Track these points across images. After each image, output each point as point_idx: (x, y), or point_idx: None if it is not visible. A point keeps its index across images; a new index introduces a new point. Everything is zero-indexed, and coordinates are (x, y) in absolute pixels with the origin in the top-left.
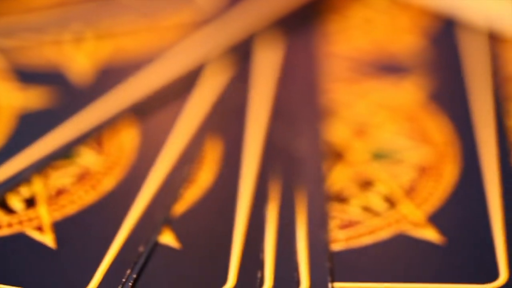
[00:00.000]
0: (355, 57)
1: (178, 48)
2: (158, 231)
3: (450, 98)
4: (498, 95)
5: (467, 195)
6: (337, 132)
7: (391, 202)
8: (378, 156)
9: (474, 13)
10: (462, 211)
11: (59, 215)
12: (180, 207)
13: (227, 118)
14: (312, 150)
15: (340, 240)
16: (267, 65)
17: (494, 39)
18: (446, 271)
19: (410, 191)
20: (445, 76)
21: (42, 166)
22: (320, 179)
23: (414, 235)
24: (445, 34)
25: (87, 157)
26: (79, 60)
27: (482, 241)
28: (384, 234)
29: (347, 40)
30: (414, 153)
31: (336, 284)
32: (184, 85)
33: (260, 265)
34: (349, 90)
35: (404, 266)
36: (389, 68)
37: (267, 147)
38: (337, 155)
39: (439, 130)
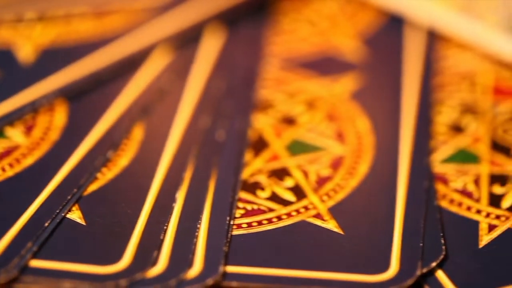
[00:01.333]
0: (292, 57)
1: (126, 33)
2: (67, 208)
3: (379, 95)
4: (427, 93)
5: (373, 190)
6: (261, 124)
7: (298, 193)
8: (296, 149)
9: (417, 12)
10: (366, 204)
11: None
12: (93, 186)
13: (158, 102)
14: (233, 139)
15: (243, 226)
16: (208, 55)
17: (434, 37)
18: (341, 261)
19: (320, 184)
20: (381, 74)
21: None
22: (235, 167)
23: (316, 225)
24: (388, 31)
25: (15, 134)
26: (25, 41)
27: (381, 234)
28: (287, 223)
29: (288, 40)
30: (331, 148)
31: (230, 268)
32: (124, 69)
33: (158, 245)
34: (280, 88)
35: (302, 254)
36: (326, 67)
37: (190, 132)
38: (258, 147)
39: (359, 127)
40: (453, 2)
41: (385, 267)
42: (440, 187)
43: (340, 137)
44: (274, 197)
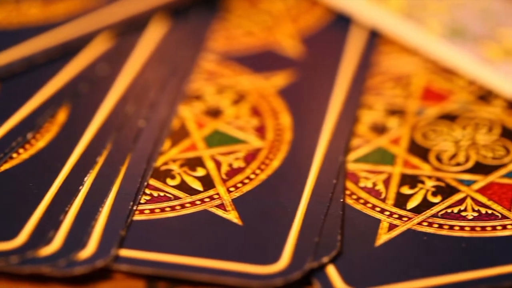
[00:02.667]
0: (230, 52)
1: (71, 19)
2: None
3: (309, 92)
4: (357, 93)
5: (281, 184)
6: (185, 115)
7: (207, 184)
8: (214, 141)
9: (362, 13)
10: (271, 198)
11: None
12: (7, 165)
13: (88, 88)
14: (154, 128)
15: (146, 212)
16: (148, 44)
17: (376, 39)
18: (233, 251)
19: (230, 176)
20: (316, 72)
21: None
22: (149, 155)
23: (217, 215)
24: (333, 30)
25: None
26: None
27: (279, 228)
28: (189, 211)
29: (230, 35)
30: (249, 142)
31: (124, 252)
32: (62, 54)
33: (56, 226)
34: (212, 81)
35: (197, 242)
36: (262, 63)
37: (112, 118)
38: (177, 136)
39: (281, 123)
40: (397, 6)
41: (276, 259)
42: (350, 185)
43: (260, 131)
44: (182, 186)
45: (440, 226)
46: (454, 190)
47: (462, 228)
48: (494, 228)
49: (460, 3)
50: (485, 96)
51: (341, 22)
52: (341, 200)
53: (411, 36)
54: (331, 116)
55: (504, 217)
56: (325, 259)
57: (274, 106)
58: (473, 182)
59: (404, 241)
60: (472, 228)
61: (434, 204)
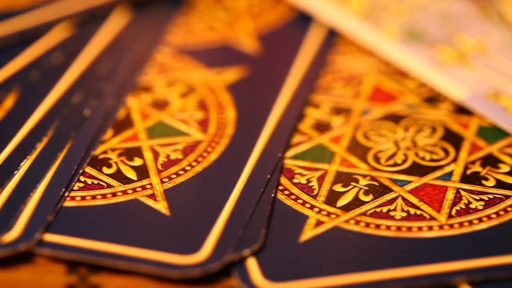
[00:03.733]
0: (187, 47)
1: (32, 8)
2: None
3: (258, 88)
4: (306, 91)
5: (214, 177)
6: (133, 106)
7: (142, 174)
8: (157, 132)
9: (323, 13)
10: (203, 190)
11: None
12: None
13: (40, 75)
14: (98, 117)
15: (77, 199)
16: (106, 35)
17: (334, 39)
18: (157, 240)
19: (165, 167)
20: (270, 68)
21: None
22: (89, 143)
23: (146, 204)
24: (293, 28)
25: None
26: None
27: (205, 219)
28: (120, 200)
29: (190, 30)
30: (191, 135)
31: (50, 236)
32: (18, 42)
33: None
34: (164, 74)
35: (122, 230)
36: (217, 59)
37: (58, 106)
38: (121, 126)
39: (225, 117)
40: (357, 7)
41: (197, 250)
42: (284, 181)
43: (203, 125)
44: (117, 175)
45: (367, 224)
46: (387, 190)
47: (388, 227)
48: (420, 229)
49: (421, 6)
50: (434, 99)
51: (302, 20)
52: (272, 195)
53: (367, 37)
54: (276, 113)
55: (432, 218)
56: (245, 252)
57: (221, 101)
58: (407, 182)
59: (329, 238)
60: (398, 228)
61: (364, 202)
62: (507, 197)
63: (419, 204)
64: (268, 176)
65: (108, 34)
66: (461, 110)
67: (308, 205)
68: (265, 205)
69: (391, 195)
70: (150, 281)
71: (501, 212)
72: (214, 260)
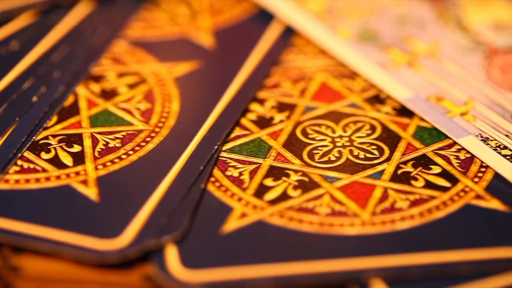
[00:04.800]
0: (145, 40)
1: None
2: None
3: (206, 83)
4: (252, 87)
5: (148, 166)
6: (81, 94)
7: (78, 160)
8: (100, 121)
9: (282, 11)
10: (135, 178)
11: None
12: None
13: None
14: (45, 104)
15: (11, 182)
16: (67, 24)
17: (291, 37)
18: (80, 224)
19: (102, 154)
20: (222, 64)
21: None
22: (32, 128)
23: (77, 190)
24: (252, 25)
25: None
26: None
27: (132, 206)
28: (53, 184)
29: (149, 24)
30: (133, 125)
31: None
32: None
33: None
34: (117, 66)
35: (52, 213)
36: (172, 53)
37: (7, 92)
38: (66, 114)
39: (169, 110)
40: (316, 7)
41: (117, 236)
42: (217, 173)
43: (146, 115)
44: (54, 160)
45: (291, 219)
46: (316, 186)
47: (311, 223)
48: (342, 225)
49: (379, 9)
50: (378, 99)
51: (263, 18)
52: (202, 186)
53: (321, 37)
54: (219, 107)
55: (356, 215)
56: (165, 240)
57: (169, 93)
58: (337, 179)
59: (251, 230)
60: (321, 224)
61: (291, 197)
62: (430, 197)
63: (345, 201)
64: (201, 167)
65: (69, 24)
66: (403, 111)
67: (236, 198)
68: (193, 195)
69: (319, 191)
70: (70, 265)
71: (425, 213)
72: (133, 246)
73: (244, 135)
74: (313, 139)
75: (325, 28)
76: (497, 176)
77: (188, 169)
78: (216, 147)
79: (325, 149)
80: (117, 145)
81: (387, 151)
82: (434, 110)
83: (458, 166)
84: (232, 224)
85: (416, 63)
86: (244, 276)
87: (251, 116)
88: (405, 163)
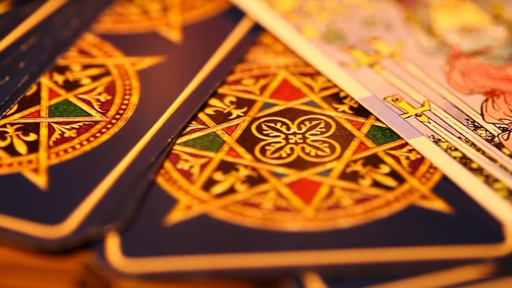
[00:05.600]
0: (112, 33)
1: None
2: None
3: (170, 77)
4: (212, 83)
5: (101, 157)
6: (43, 85)
7: (32, 149)
8: (58, 111)
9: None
10: (86, 168)
11: None
12: None
13: None
14: (6, 93)
15: None
16: (39, 15)
17: (259, 34)
18: (26, 211)
19: (57, 143)
20: (188, 58)
21: None
22: None
23: (26, 178)
24: (223, 21)
25: None
26: None
27: (79, 195)
28: (4, 172)
29: (120, 19)
30: (91, 116)
31: None
32: None
33: None
34: (83, 58)
35: (5, 201)
36: (139, 47)
37: None
38: (27, 103)
39: (129, 102)
40: (285, 7)
41: (60, 223)
42: (168, 166)
43: (105, 107)
44: (9, 148)
45: (235, 213)
46: (263, 181)
47: (254, 217)
48: (285, 221)
49: (348, 10)
50: (336, 98)
51: (234, 14)
52: (150, 178)
53: (287, 36)
54: (178, 101)
55: (299, 211)
56: (107, 229)
57: (130, 86)
58: (285, 176)
59: (195, 223)
60: (264, 219)
61: (238, 192)
62: (375, 196)
63: (291, 197)
64: (152, 159)
65: (41, 15)
66: (360, 111)
67: (183, 190)
68: (140, 186)
69: (266, 187)
70: (10, 250)
71: (369, 212)
72: (75, 234)
73: (200, 129)
74: (267, 135)
75: (291, 27)
76: (445, 178)
77: (139, 160)
78: (169, 140)
79: (278, 145)
80: (72, 135)
81: (338, 150)
82: (389, 110)
83: (407, 166)
84: (176, 216)
85: (378, 64)
86: (182, 268)
87: (209, 110)
88: (355, 161)
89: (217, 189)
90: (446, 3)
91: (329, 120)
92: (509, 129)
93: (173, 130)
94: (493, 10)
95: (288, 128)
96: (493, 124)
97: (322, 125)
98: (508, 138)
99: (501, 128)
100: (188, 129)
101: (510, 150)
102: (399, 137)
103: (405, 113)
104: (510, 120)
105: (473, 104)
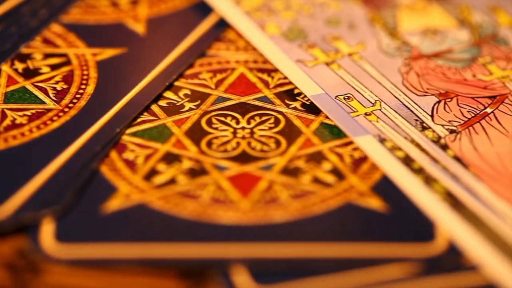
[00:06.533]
0: (78, 24)
1: None
2: None
3: (131, 67)
4: (169, 75)
5: (47, 145)
6: (4, 72)
7: None
8: (14, 98)
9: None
10: (32, 154)
11: None
12: None
13: None
14: None
15: None
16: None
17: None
18: None
19: (7, 129)
20: (151, 51)
21: None
22: None
23: None
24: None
25: None
26: None
27: (19, 182)
28: None
29: (88, 10)
30: (45, 104)
31: None
32: None
33: None
34: (47, 48)
35: None
36: (104, 37)
37: None
38: None
39: (84, 91)
40: (250, 4)
41: None
42: (114, 155)
43: (60, 95)
44: None
45: (173, 204)
46: (205, 174)
47: (191, 209)
48: (220, 213)
49: (313, 9)
50: (290, 95)
51: (202, 9)
52: (94, 166)
53: (247, 32)
54: (132, 92)
55: (236, 205)
56: (42, 214)
57: (88, 76)
58: (228, 169)
59: (132, 212)
60: (201, 211)
61: (179, 183)
62: (313, 193)
63: (230, 190)
64: (98, 148)
65: (9, 4)
66: (312, 108)
67: (125, 180)
68: (83, 174)
69: (206, 179)
70: None
71: (305, 208)
72: (10, 219)
73: (150, 121)
74: (216, 129)
75: (253, 24)
76: (385, 177)
77: (85, 149)
78: (118, 130)
79: (225, 139)
80: (23, 122)
81: (284, 145)
82: (339, 108)
83: (350, 164)
84: (113, 204)
85: (335, 63)
86: (112, 256)
87: (162, 102)
88: (299, 157)
89: (158, 179)
90: (414, 6)
91: (279, 116)
92: (457, 131)
93: (122, 120)
94: (461, 14)
95: (238, 123)
96: (442, 125)
97: (272, 120)
98: (454, 140)
99: (449, 130)
100: (139, 120)
101: (455, 151)
102: (346, 135)
103: (354, 112)
104: (460, 122)
105: (424, 105)
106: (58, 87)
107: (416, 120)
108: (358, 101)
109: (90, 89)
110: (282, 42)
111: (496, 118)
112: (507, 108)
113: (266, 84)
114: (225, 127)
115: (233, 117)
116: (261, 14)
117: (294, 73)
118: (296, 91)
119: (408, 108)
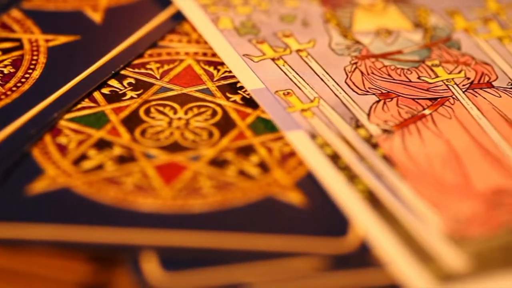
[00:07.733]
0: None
1: None
2: None
3: (83, 53)
4: (115, 65)
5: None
6: None
7: None
8: None
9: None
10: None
11: None
12: None
13: None
14: None
15: None
16: None
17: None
18: None
19: None
20: (102, 39)
21: None
22: None
23: None
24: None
25: None
26: None
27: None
28: None
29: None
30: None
31: None
32: None
33: None
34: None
35: None
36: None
37: None
38: None
39: (29, 76)
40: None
41: None
42: (48, 139)
43: (5, 79)
44: None
45: (97, 189)
46: (133, 161)
47: (114, 195)
48: (141, 201)
49: (269, 6)
50: (231, 88)
51: (162, 0)
52: (25, 149)
53: (199, 25)
54: (77, 79)
55: (158, 193)
56: None
57: (37, 61)
58: (156, 158)
59: (55, 195)
60: (122, 198)
61: (105, 169)
62: (234, 185)
63: (154, 179)
64: (33, 132)
65: None
66: (251, 102)
67: (54, 164)
68: (13, 157)
69: (133, 167)
70: None
71: (225, 199)
72: None
73: (90, 107)
74: (152, 118)
75: (205, 17)
76: (310, 173)
77: (20, 132)
78: (56, 115)
79: (159, 128)
80: None
81: (216, 137)
82: (276, 103)
83: (278, 158)
84: (38, 186)
85: (282, 59)
86: (27, 236)
87: (105, 90)
88: (229, 150)
89: (86, 165)
90: (371, 7)
91: (218, 108)
92: (391, 131)
93: (60, 106)
94: (417, 17)
95: (175, 113)
96: (377, 125)
97: (209, 112)
98: (387, 139)
99: (383, 130)
100: (79, 106)
101: (385, 150)
102: (278, 130)
103: (291, 107)
104: (396, 122)
105: (363, 104)
106: (6, 70)
107: (352, 118)
108: (297, 96)
109: (36, 73)
110: (232, 36)
111: (433, 120)
112: (446, 111)
113: (211, 76)
114: (161, 116)
115: (172, 108)
116: (217, 8)
117: (238, 67)
118: (238, 85)
119: (346, 106)
